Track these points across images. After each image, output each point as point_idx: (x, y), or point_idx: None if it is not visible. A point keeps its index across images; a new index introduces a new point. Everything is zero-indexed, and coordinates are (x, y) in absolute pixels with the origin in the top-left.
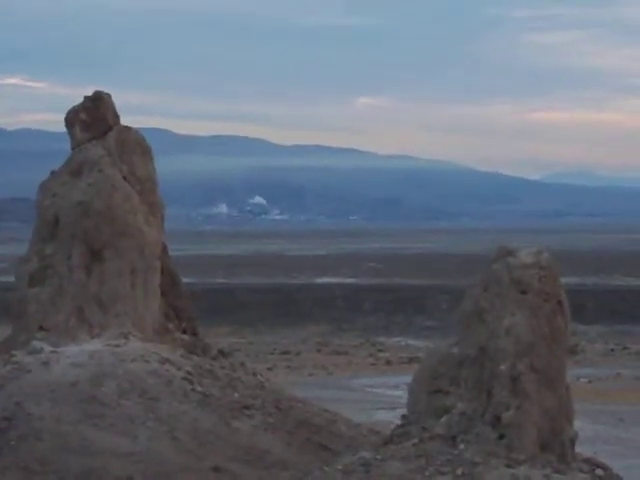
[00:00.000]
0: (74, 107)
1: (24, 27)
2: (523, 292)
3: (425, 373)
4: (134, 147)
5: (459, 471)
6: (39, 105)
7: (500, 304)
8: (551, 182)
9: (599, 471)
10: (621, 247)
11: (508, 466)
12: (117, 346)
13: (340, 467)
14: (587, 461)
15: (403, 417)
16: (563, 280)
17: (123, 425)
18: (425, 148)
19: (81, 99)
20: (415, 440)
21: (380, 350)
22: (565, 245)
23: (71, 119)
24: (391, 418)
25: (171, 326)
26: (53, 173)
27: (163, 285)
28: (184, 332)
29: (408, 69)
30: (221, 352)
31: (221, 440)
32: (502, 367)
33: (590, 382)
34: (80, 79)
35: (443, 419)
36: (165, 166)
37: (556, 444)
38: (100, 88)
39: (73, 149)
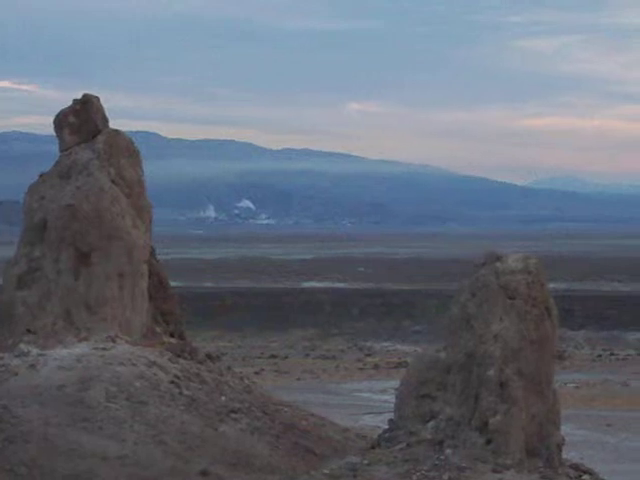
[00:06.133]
0: (63, 110)
1: (14, 30)
2: (511, 297)
3: (413, 378)
4: (123, 150)
5: (446, 476)
6: (28, 108)
7: (488, 309)
8: (539, 188)
9: (586, 477)
10: (608, 253)
11: (495, 471)
12: (104, 349)
13: (327, 471)
14: (574, 466)
15: (390, 422)
16: (551, 286)
17: (110, 428)
18: (414, 153)
19: (70, 102)
20: (402, 445)
21: (368, 355)
22: (553, 251)
23: (60, 122)
24: (378, 423)
25: (159, 329)
26: (42, 176)
27: (151, 288)
28: (172, 335)
29: (399, 74)
30: (209, 356)
31: (208, 444)
32: (490, 372)
33: (577, 387)
34: (69, 82)
35: (430, 424)
36: (153, 169)
37: (543, 449)
38: (89, 91)
39: (62, 152)
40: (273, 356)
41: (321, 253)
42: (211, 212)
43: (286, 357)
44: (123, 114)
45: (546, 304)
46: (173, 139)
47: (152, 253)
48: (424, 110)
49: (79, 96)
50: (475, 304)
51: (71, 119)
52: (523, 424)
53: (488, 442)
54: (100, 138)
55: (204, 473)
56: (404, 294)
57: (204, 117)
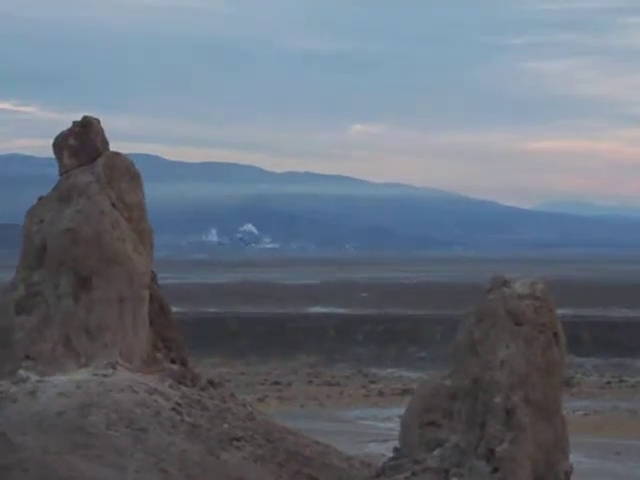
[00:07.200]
0: (63, 132)
1: (14, 52)
2: (518, 323)
3: (418, 405)
4: (123, 173)
5: None
6: (29, 131)
7: (495, 335)
8: (546, 211)
9: None
10: (617, 278)
11: None
12: (105, 376)
13: None
14: None
15: (395, 450)
16: (559, 311)
17: (110, 456)
18: (419, 176)
19: (70, 124)
20: (407, 473)
21: (372, 381)
22: (560, 276)
23: (60, 144)
24: (383, 450)
25: (160, 356)
26: (41, 199)
27: (152, 314)
28: (173, 362)
29: (403, 96)
30: (210, 382)
31: (210, 472)
32: (496, 399)
33: (586, 415)
34: (70, 104)
35: (436, 452)
36: (155, 193)
37: (551, 477)
38: (89, 113)
39: (61, 175)
40: (277, 383)
41: (325, 278)
42: (214, 236)
43: (290, 384)
44: (124, 136)
45: (554, 330)
46: (175, 162)
47: (153, 278)
48: (428, 132)
49: (79, 118)
50: (481, 330)
51: (71, 141)
52: (530, 452)
53: (495, 470)
54: (100, 161)
55: None
56: (409, 320)
57: (206, 140)
